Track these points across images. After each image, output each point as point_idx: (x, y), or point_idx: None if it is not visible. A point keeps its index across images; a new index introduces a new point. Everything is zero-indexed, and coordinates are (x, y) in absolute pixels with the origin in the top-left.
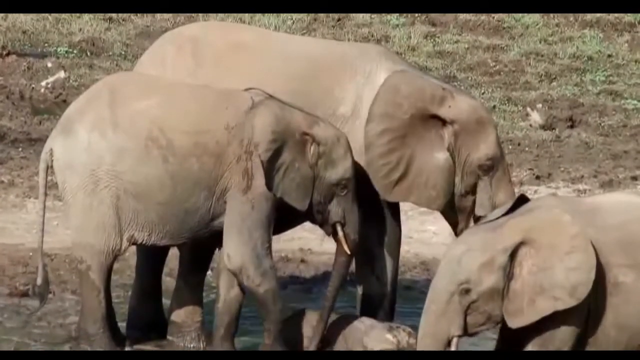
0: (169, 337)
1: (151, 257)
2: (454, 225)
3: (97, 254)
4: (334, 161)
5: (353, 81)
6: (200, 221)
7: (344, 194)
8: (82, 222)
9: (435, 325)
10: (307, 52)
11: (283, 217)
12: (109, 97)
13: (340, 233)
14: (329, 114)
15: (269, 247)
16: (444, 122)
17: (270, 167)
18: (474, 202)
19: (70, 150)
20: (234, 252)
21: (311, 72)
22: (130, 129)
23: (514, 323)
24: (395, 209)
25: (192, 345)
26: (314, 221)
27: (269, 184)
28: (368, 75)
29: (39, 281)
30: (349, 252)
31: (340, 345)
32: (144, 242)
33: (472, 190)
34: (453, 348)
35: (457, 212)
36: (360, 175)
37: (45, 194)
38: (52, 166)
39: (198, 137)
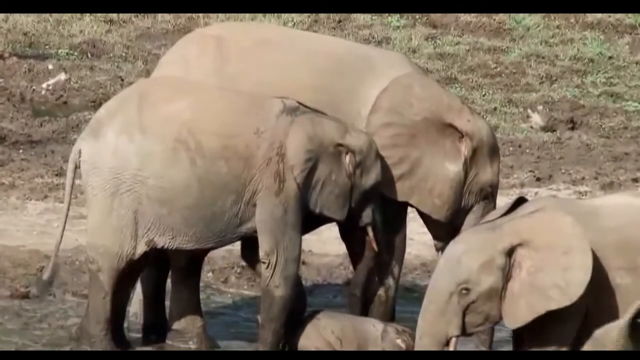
0: (171, 342)
1: (157, 262)
2: (436, 238)
3: (109, 256)
4: (368, 168)
5: (377, 83)
6: (227, 225)
7: (375, 196)
8: (99, 223)
9: (434, 325)
10: (331, 49)
11: (308, 218)
12: (138, 101)
13: (371, 234)
14: (354, 114)
15: (299, 252)
16: (461, 134)
17: (306, 185)
18: (462, 222)
19: (98, 152)
20: (270, 250)
21: (335, 68)
22: (158, 132)
23: (512, 324)
24: (402, 213)
25: (194, 348)
26: (340, 223)
27: (307, 201)
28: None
29: (45, 276)
30: (377, 250)
31: (351, 346)
32: (167, 246)
33: (467, 211)
34: (451, 348)
35: (444, 226)
36: None
37: (71, 195)
38: (79, 167)
39: (228, 140)
